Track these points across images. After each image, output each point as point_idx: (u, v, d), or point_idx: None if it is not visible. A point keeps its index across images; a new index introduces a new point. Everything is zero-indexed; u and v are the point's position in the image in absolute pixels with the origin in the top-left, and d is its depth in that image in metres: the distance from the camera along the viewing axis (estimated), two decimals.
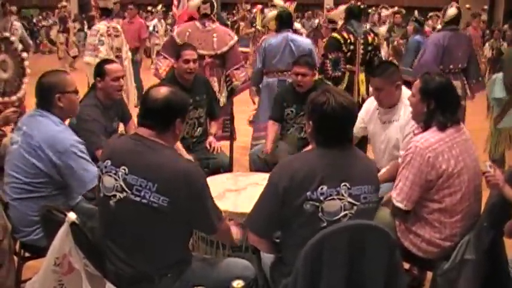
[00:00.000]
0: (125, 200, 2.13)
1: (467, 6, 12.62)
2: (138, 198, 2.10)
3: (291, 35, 5.33)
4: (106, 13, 6.30)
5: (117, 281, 2.15)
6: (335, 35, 5.27)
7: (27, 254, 2.86)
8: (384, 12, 12.06)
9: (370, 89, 5.43)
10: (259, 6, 11.83)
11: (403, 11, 11.59)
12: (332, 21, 7.46)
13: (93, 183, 2.63)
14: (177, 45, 4.98)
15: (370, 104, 3.59)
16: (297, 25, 7.39)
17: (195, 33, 5.08)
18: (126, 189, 2.12)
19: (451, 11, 5.70)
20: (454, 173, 2.57)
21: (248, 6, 15.18)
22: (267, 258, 2.46)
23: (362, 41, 5.13)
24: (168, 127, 2.22)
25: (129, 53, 6.66)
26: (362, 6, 5.63)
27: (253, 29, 12.99)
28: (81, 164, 2.69)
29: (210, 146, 4.24)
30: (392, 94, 3.31)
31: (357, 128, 3.49)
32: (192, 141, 4.28)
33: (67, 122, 3.03)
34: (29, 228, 2.72)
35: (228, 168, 4.07)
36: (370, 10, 13.27)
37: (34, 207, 2.64)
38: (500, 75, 5.26)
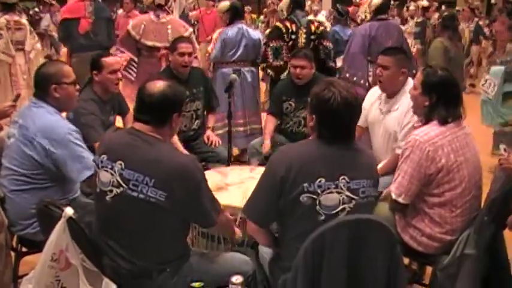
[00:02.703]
0: (121, 195, 2.11)
1: None
2: (135, 193, 2.08)
3: (245, 27, 5.43)
4: (6, 7, 6.38)
5: (114, 276, 2.13)
6: (278, 24, 5.31)
7: (24, 249, 2.85)
8: (421, 4, 11.78)
9: None
10: None
11: (436, 4, 11.35)
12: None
13: (90, 172, 2.59)
14: (132, 38, 5.11)
15: (374, 92, 3.57)
16: (321, 17, 7.41)
17: (149, 25, 5.17)
18: (123, 184, 2.10)
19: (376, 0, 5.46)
20: (453, 167, 2.54)
21: None
22: (266, 253, 2.44)
23: (305, 30, 5.12)
24: (164, 121, 2.20)
25: (38, 45, 6.72)
26: None
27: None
28: (76, 152, 2.67)
29: (208, 139, 4.23)
30: (396, 78, 3.29)
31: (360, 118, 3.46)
32: (189, 134, 4.27)
33: (64, 115, 3.02)
34: (26, 222, 2.70)
35: (226, 161, 4.05)
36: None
37: (31, 199, 2.63)
38: None
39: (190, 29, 5.53)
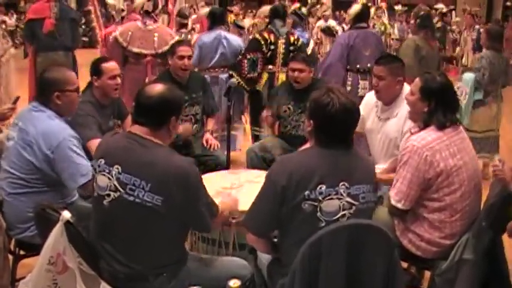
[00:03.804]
0: (118, 200, 2.11)
1: (508, 3, 12.18)
2: (131, 198, 2.08)
3: (223, 33, 5.46)
4: None
5: (111, 280, 2.13)
6: (256, 35, 5.33)
7: (22, 252, 2.85)
8: (440, 9, 11.72)
9: None
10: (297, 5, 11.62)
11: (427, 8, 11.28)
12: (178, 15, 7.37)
13: (86, 178, 2.61)
14: (120, 46, 5.18)
15: (370, 99, 3.56)
16: (331, 22, 7.42)
17: (136, 33, 5.24)
18: (120, 188, 2.10)
19: (355, 8, 5.44)
20: (453, 171, 2.54)
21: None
22: (264, 257, 2.44)
23: (283, 41, 5.15)
24: (162, 124, 2.20)
25: (12, 50, 6.76)
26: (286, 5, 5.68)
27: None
28: (74, 158, 2.67)
29: (207, 143, 4.23)
30: (392, 87, 3.27)
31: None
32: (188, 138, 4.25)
33: None
34: (23, 225, 2.70)
35: (225, 165, 4.04)
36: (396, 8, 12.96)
37: (29, 203, 2.63)
38: None
39: (177, 37, 5.60)
